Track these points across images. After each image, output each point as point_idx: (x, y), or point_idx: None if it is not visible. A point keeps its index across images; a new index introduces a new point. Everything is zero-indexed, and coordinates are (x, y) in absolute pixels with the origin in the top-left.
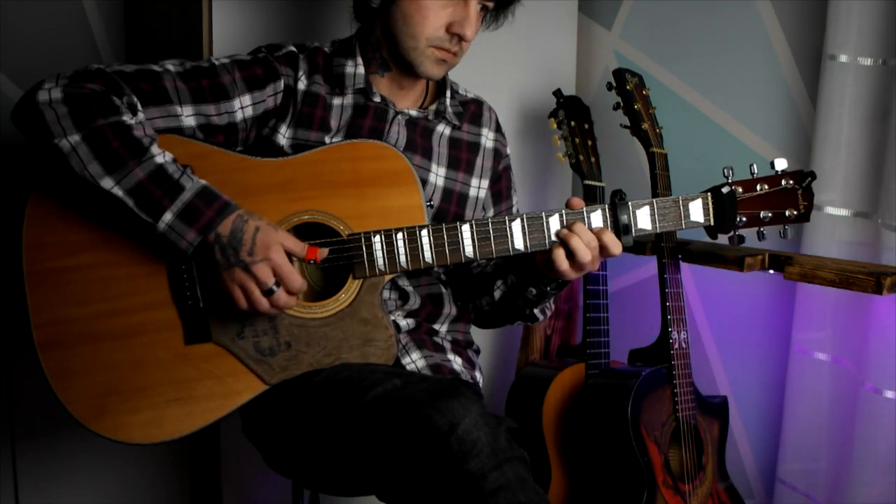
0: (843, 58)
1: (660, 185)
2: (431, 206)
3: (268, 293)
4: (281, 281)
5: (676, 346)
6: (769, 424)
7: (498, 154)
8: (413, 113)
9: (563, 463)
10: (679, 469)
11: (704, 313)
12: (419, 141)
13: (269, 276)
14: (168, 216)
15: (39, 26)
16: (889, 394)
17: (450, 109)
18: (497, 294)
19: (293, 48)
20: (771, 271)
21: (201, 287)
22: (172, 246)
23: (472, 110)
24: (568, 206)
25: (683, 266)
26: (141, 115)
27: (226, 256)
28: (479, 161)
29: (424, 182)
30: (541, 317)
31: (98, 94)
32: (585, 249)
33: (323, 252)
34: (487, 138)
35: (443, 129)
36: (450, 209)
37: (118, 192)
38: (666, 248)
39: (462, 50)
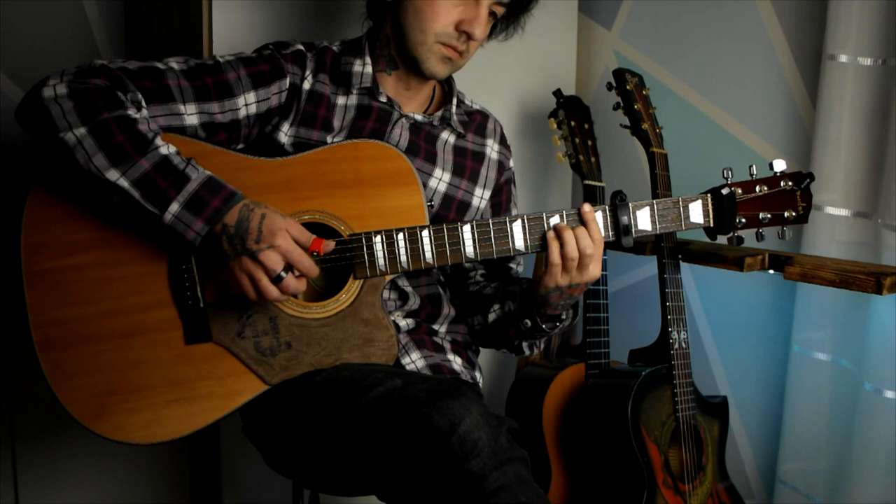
0: (843, 58)
1: (660, 185)
2: (432, 206)
3: (276, 280)
4: (292, 266)
5: (676, 346)
6: (769, 424)
7: (501, 166)
8: (418, 118)
9: (563, 463)
10: (679, 469)
11: (704, 313)
12: (423, 145)
13: (277, 263)
14: (175, 207)
15: (39, 26)
16: (889, 394)
17: (455, 117)
18: (491, 317)
19: (301, 46)
20: (771, 271)
21: (203, 284)
22: (179, 238)
23: (478, 121)
24: (579, 212)
25: (683, 266)
26: (145, 112)
27: (233, 246)
28: (483, 171)
29: (425, 186)
30: (527, 351)
31: (103, 89)
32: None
33: (328, 245)
34: (492, 150)
35: (447, 137)
36: (449, 216)
37: (124, 183)
38: (666, 249)
39: (469, 51)
